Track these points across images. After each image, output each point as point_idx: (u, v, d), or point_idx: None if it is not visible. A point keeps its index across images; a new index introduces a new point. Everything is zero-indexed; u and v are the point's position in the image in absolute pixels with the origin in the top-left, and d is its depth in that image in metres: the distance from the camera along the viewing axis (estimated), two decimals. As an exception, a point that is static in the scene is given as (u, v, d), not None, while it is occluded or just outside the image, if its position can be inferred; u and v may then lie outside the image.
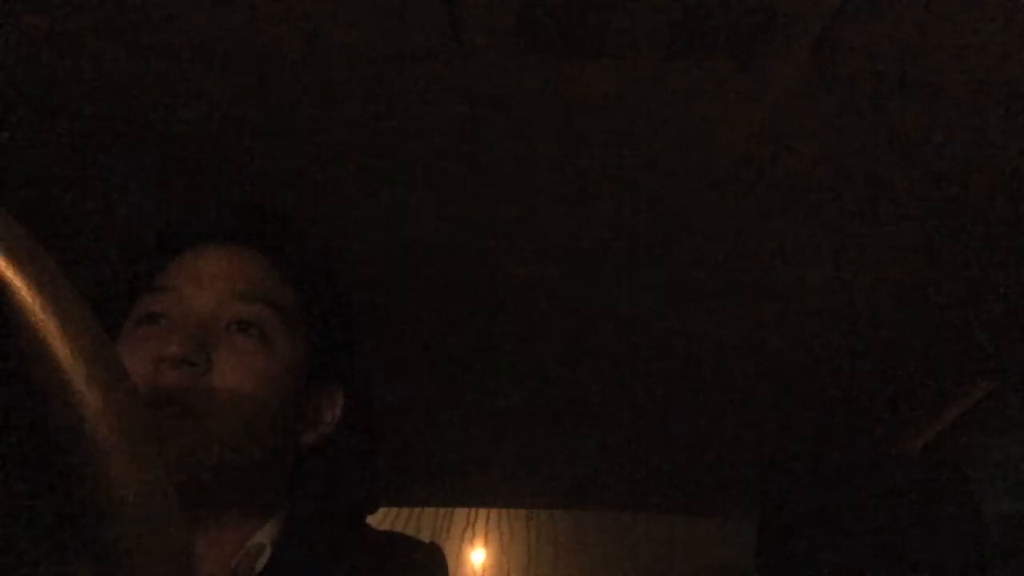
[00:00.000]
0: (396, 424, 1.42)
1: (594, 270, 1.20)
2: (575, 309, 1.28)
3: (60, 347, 0.28)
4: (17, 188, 0.94)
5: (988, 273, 1.12)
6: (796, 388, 1.43)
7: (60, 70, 0.85)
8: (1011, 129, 0.90)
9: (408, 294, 1.23)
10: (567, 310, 1.28)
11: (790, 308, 1.25)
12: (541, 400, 1.50)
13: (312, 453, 0.79)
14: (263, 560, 0.71)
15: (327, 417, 0.80)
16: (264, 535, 0.72)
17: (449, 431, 1.56)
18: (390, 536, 0.81)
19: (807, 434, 1.52)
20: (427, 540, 0.81)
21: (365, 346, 0.84)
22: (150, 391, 0.67)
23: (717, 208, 1.07)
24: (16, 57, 0.82)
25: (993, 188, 0.99)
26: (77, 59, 0.84)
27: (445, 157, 1.00)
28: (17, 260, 0.29)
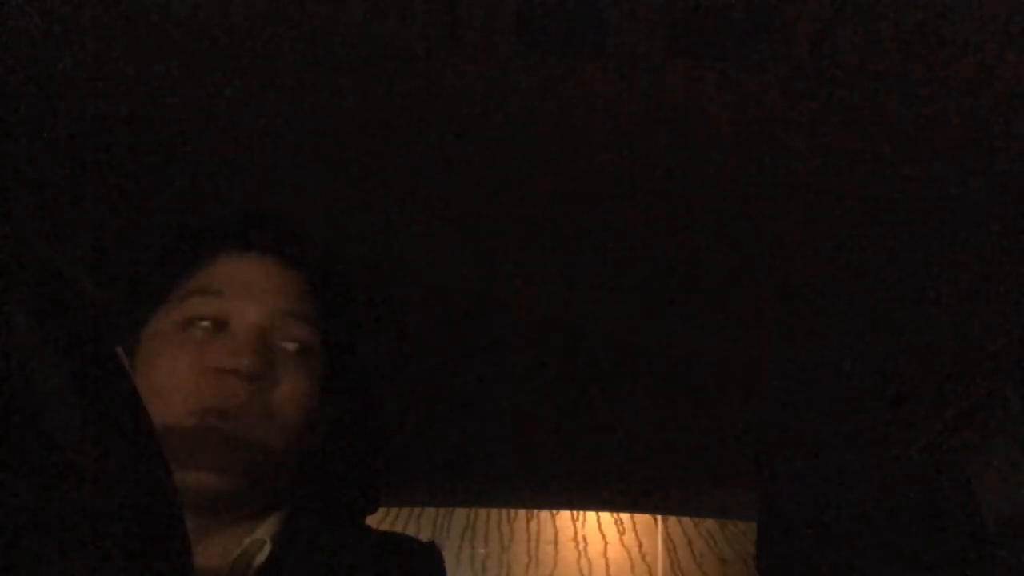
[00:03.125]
0: (396, 424, 1.42)
1: (594, 269, 1.20)
2: (575, 308, 1.28)
3: (55, 356, 0.28)
4: (16, 187, 0.94)
5: (988, 273, 1.12)
6: (796, 388, 1.43)
7: (60, 69, 0.85)
8: (1011, 129, 0.90)
9: (407, 293, 1.23)
10: (567, 309, 1.28)
11: (790, 307, 1.25)
12: (541, 400, 1.50)
13: (315, 454, 0.80)
14: (262, 556, 0.72)
15: (329, 419, 0.81)
16: (264, 531, 0.73)
17: (449, 431, 1.56)
18: (388, 536, 0.82)
19: (807, 434, 1.52)
20: (426, 540, 0.82)
21: (366, 346, 0.85)
22: (216, 400, 0.69)
23: (717, 208, 1.07)
24: (16, 56, 0.82)
25: (993, 188, 0.99)
26: (76, 58, 0.84)
27: (445, 157, 1.00)
28: (15, 265, 0.29)
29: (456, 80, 0.88)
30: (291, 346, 0.74)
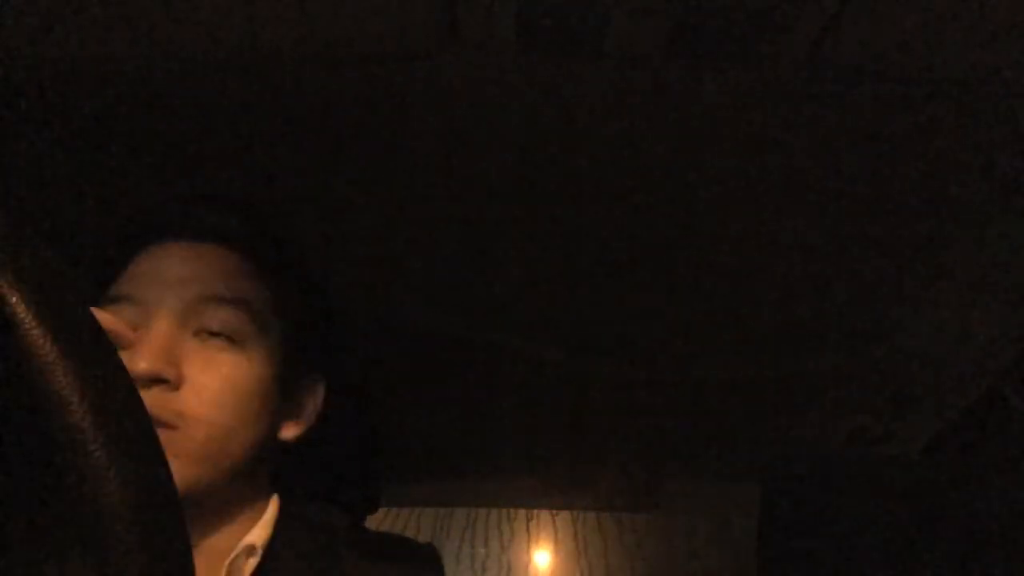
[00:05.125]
0: (395, 424, 1.42)
1: (594, 269, 1.20)
2: (575, 308, 1.28)
3: (57, 359, 0.28)
4: (15, 187, 0.94)
5: (988, 273, 1.12)
6: (796, 388, 1.43)
7: (60, 69, 0.85)
8: (1011, 129, 0.90)
9: (406, 293, 1.23)
10: (567, 309, 1.28)
11: (790, 307, 1.25)
12: (541, 400, 1.49)
13: (295, 446, 0.78)
14: (253, 562, 0.71)
15: (308, 409, 0.79)
16: (254, 536, 0.72)
17: (449, 431, 1.56)
18: (386, 537, 0.81)
19: (807, 434, 1.52)
20: (425, 541, 0.81)
21: (347, 337, 0.83)
22: None
23: (716, 208, 1.07)
24: (16, 56, 0.82)
25: (993, 188, 0.99)
26: (76, 58, 0.84)
27: (444, 157, 1.00)
28: (15, 265, 0.29)
29: (456, 80, 0.88)
30: (204, 334, 0.69)
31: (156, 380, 0.66)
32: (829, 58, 0.83)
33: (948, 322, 1.23)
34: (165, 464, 0.33)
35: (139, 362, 0.65)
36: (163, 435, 0.66)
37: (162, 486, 0.31)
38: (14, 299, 0.28)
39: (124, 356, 0.67)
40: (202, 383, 0.68)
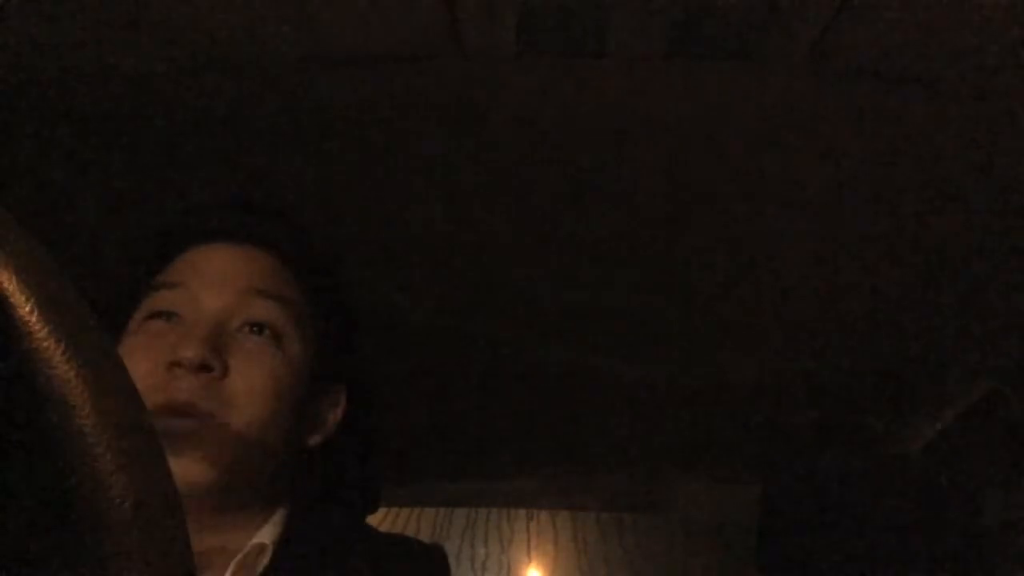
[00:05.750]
0: (396, 424, 1.42)
1: (594, 269, 1.20)
2: (575, 308, 1.28)
3: (58, 358, 0.28)
4: (16, 186, 0.94)
5: (988, 272, 1.12)
6: (796, 388, 1.43)
7: (60, 69, 0.85)
8: (1011, 129, 0.90)
9: (408, 294, 1.23)
10: (567, 309, 1.28)
11: (789, 307, 1.25)
12: (541, 400, 1.50)
13: (314, 453, 0.79)
14: (264, 560, 0.71)
15: (330, 418, 0.80)
16: (265, 535, 0.72)
17: (449, 431, 1.56)
18: (392, 538, 0.81)
19: (807, 434, 1.52)
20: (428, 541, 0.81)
21: (366, 346, 0.84)
22: (166, 396, 0.66)
23: (716, 208, 1.07)
24: (16, 57, 0.82)
25: (993, 188, 0.99)
26: (77, 58, 0.84)
27: (444, 157, 1.00)
28: (16, 264, 0.29)
29: (456, 80, 0.88)
30: (248, 328, 0.71)
31: (202, 367, 0.67)
32: (829, 58, 0.83)
33: (948, 322, 1.23)
34: (165, 463, 0.33)
35: (187, 349, 0.67)
36: (200, 424, 0.67)
37: (162, 485, 0.31)
38: (10, 308, 0.28)
39: (170, 342, 0.68)
40: (246, 375, 0.69)
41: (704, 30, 0.81)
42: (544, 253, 1.17)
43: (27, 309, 0.29)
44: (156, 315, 0.72)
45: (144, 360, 0.68)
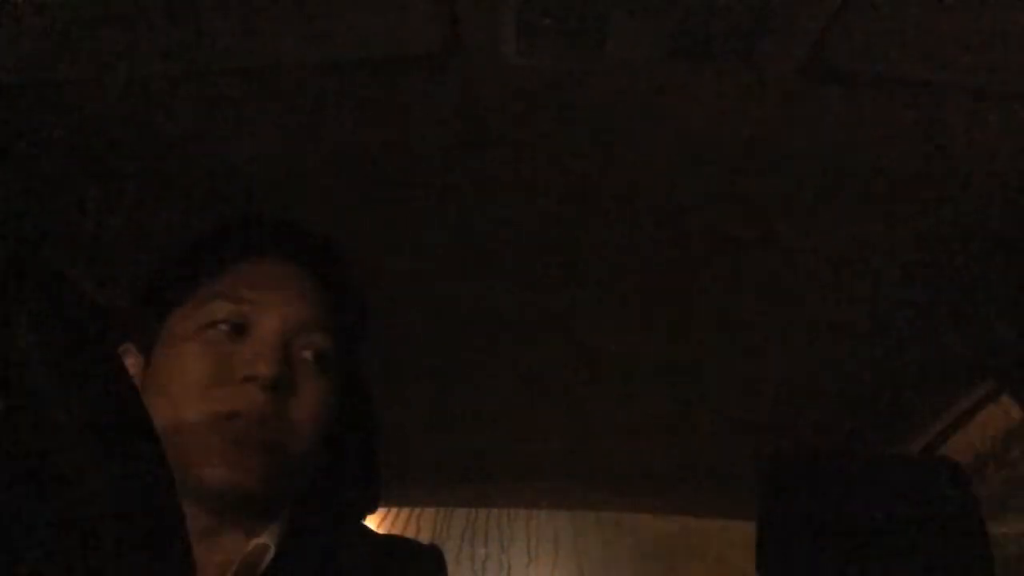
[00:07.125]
0: (396, 424, 1.42)
1: (594, 270, 1.20)
2: (576, 309, 1.28)
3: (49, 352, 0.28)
4: (20, 191, 0.94)
5: (988, 272, 1.12)
6: (796, 388, 1.43)
7: (60, 71, 0.85)
8: (1011, 129, 0.90)
9: (408, 294, 1.23)
10: (568, 310, 1.28)
11: (789, 307, 1.25)
12: (541, 401, 1.50)
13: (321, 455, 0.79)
14: (267, 560, 0.72)
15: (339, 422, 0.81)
16: (268, 536, 0.73)
17: (449, 431, 1.56)
18: (392, 539, 0.82)
19: (807, 434, 1.52)
20: (427, 542, 0.82)
21: (366, 347, 0.85)
22: (233, 407, 0.69)
23: (716, 208, 1.07)
24: (17, 59, 0.82)
25: (993, 188, 0.99)
26: (77, 61, 0.84)
27: (445, 158, 1.00)
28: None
29: (456, 80, 0.88)
30: (309, 354, 0.74)
31: (275, 386, 0.70)
32: (829, 58, 0.83)
33: (948, 322, 1.23)
34: (166, 463, 0.33)
35: (264, 366, 0.69)
36: (263, 438, 0.68)
37: (162, 486, 0.31)
38: (14, 299, 0.28)
39: (244, 357, 0.69)
40: (308, 400, 0.72)
41: (704, 30, 0.81)
42: (544, 253, 1.17)
43: (28, 311, 0.29)
44: (218, 323, 0.72)
45: (209, 368, 0.70)
